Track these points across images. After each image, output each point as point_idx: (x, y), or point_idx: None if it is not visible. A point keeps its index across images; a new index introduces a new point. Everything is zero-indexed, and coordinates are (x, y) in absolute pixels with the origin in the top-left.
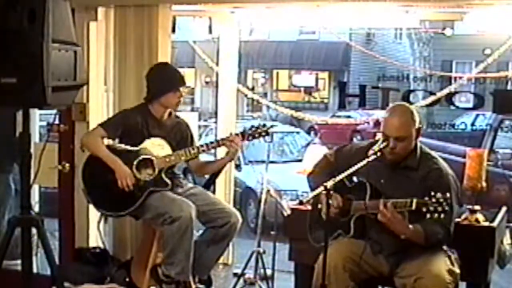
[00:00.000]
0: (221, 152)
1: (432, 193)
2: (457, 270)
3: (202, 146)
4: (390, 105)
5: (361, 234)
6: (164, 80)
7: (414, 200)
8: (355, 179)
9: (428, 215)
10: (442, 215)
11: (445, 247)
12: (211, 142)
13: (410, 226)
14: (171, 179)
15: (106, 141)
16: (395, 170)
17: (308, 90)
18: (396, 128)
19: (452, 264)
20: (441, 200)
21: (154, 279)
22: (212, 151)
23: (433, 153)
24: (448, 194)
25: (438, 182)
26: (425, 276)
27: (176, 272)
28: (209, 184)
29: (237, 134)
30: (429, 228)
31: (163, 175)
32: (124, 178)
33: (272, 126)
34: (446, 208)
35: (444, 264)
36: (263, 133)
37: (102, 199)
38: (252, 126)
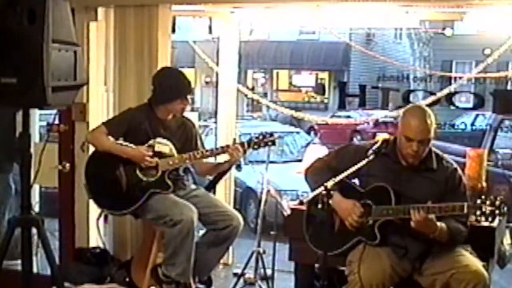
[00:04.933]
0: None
1: (483, 197)
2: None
3: (207, 151)
4: (408, 107)
5: (385, 240)
6: (172, 87)
7: (465, 205)
8: (360, 183)
9: (483, 218)
10: (500, 218)
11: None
12: (216, 148)
13: (438, 224)
14: (174, 181)
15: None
16: (416, 172)
17: (315, 90)
18: (421, 131)
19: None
20: (498, 203)
21: (154, 279)
22: None
23: (443, 153)
24: (501, 197)
25: (459, 182)
26: (464, 271)
27: (176, 273)
28: (211, 187)
29: (242, 143)
30: (452, 226)
31: (165, 178)
32: (143, 158)
33: (280, 137)
34: (504, 210)
35: (477, 261)
36: (269, 143)
37: (104, 196)
38: (259, 135)
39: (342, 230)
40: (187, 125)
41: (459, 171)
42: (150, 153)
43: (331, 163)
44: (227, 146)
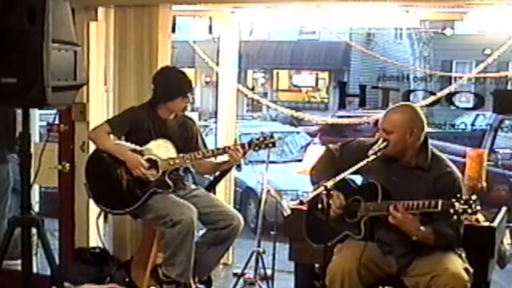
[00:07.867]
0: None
1: (458, 195)
2: (471, 269)
3: (208, 151)
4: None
5: (370, 236)
6: (172, 85)
7: (440, 202)
8: (362, 180)
9: (455, 217)
10: (473, 216)
11: None
12: (217, 149)
13: (422, 227)
14: (174, 181)
15: (112, 138)
16: (407, 170)
17: (315, 89)
18: (385, 120)
19: (464, 262)
20: (471, 201)
21: (154, 279)
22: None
23: (443, 156)
24: (474, 196)
25: (451, 184)
26: (443, 274)
27: (176, 274)
28: (211, 187)
29: (242, 145)
30: (440, 230)
31: (166, 177)
32: (137, 167)
33: (280, 139)
34: (476, 209)
35: (459, 263)
36: (270, 145)
37: (104, 195)
38: (259, 137)
39: (333, 224)
40: (188, 124)
41: (455, 174)
42: (146, 165)
43: (335, 158)
44: (228, 147)
